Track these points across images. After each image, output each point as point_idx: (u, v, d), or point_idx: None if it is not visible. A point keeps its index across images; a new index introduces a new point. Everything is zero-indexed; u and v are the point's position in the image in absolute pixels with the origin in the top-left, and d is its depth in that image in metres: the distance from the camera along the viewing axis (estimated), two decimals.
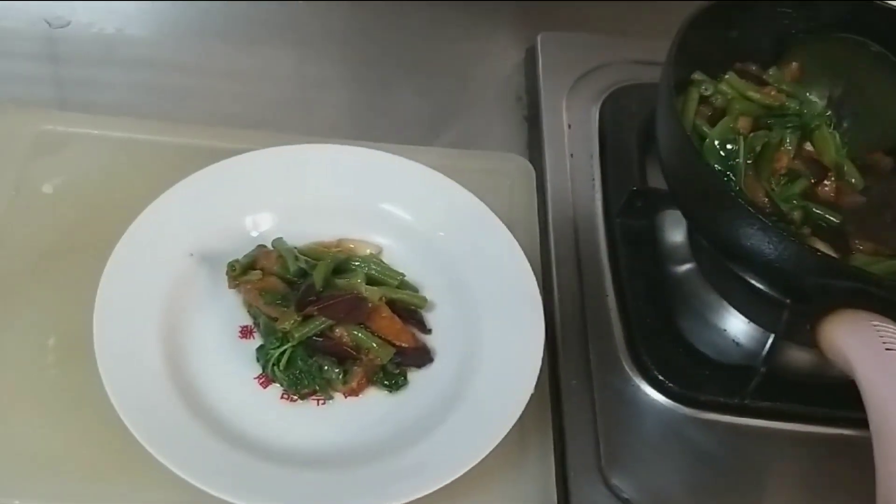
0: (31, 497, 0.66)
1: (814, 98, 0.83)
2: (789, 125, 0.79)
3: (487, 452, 0.66)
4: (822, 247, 0.72)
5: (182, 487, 0.64)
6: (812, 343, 0.65)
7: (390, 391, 0.73)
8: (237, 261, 0.75)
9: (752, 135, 0.77)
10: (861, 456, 0.72)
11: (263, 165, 0.81)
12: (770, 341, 0.75)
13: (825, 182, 0.79)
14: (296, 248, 0.78)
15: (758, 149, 0.76)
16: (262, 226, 0.80)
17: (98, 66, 0.97)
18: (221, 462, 0.66)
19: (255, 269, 0.75)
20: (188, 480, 0.64)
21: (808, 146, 0.81)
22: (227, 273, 0.75)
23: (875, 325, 0.59)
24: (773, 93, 0.82)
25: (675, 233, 0.86)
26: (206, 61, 0.98)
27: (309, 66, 1.00)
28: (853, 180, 0.79)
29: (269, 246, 0.78)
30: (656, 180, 0.87)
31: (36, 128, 0.86)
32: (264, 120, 0.94)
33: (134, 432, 0.65)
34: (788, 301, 0.72)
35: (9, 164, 0.83)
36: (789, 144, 0.79)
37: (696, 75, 0.81)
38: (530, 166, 0.90)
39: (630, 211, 0.84)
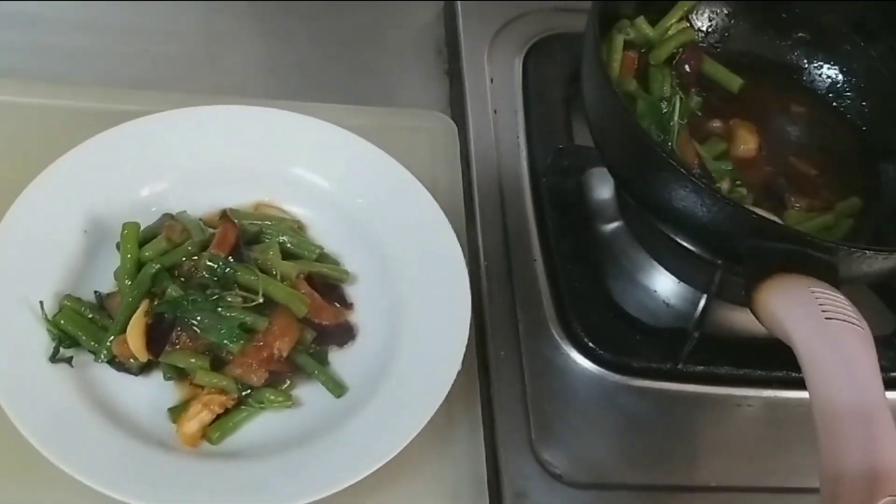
0: None
1: None
2: None
3: (413, 435, 0.63)
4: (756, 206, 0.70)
5: (79, 486, 0.59)
6: (747, 307, 0.62)
7: None
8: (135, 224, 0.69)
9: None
10: (799, 419, 0.71)
11: (162, 130, 0.74)
12: (703, 302, 0.73)
13: None
14: (201, 219, 0.72)
15: (699, 112, 0.74)
16: (163, 197, 0.73)
17: None
18: (117, 457, 0.61)
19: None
20: (81, 480, 0.59)
21: None
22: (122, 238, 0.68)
23: (813, 292, 0.56)
24: None
25: (603, 190, 0.83)
26: (100, 18, 0.90)
27: (215, 21, 0.92)
28: None
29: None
30: (584, 135, 0.83)
31: None
32: (168, 80, 0.87)
33: (16, 423, 0.59)
34: (720, 262, 0.70)
35: None
36: None
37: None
38: (452, 124, 0.86)
39: (556, 170, 0.81)
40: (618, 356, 0.72)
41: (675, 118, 0.73)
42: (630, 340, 0.74)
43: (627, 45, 0.78)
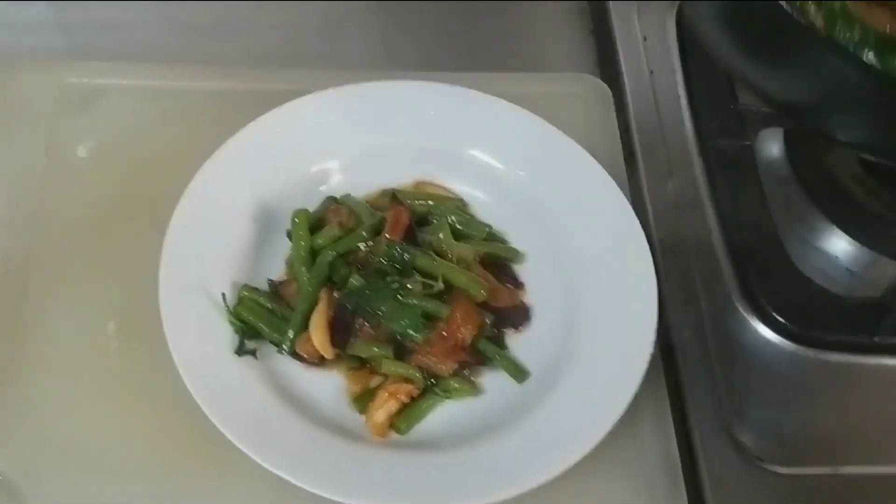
0: (118, 498, 0.61)
1: None
2: None
3: (609, 428, 0.60)
4: None
5: (277, 479, 0.58)
6: None
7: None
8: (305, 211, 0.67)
9: None
10: None
11: (319, 111, 0.72)
12: None
13: None
14: (367, 200, 0.70)
15: None
16: (326, 178, 0.72)
17: (111, 6, 0.87)
18: (308, 448, 0.60)
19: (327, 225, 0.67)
20: (277, 472, 0.57)
21: None
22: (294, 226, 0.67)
23: None
24: None
25: (774, 148, 0.78)
26: None
27: None
28: None
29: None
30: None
31: (58, 82, 0.77)
32: (306, 52, 0.85)
33: (213, 419, 0.58)
34: None
35: (34, 127, 0.75)
36: None
37: None
38: (606, 87, 0.81)
39: (727, 132, 0.76)
40: (810, 330, 0.68)
41: None
42: (820, 312, 0.69)
43: None
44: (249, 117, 0.71)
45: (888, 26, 0.58)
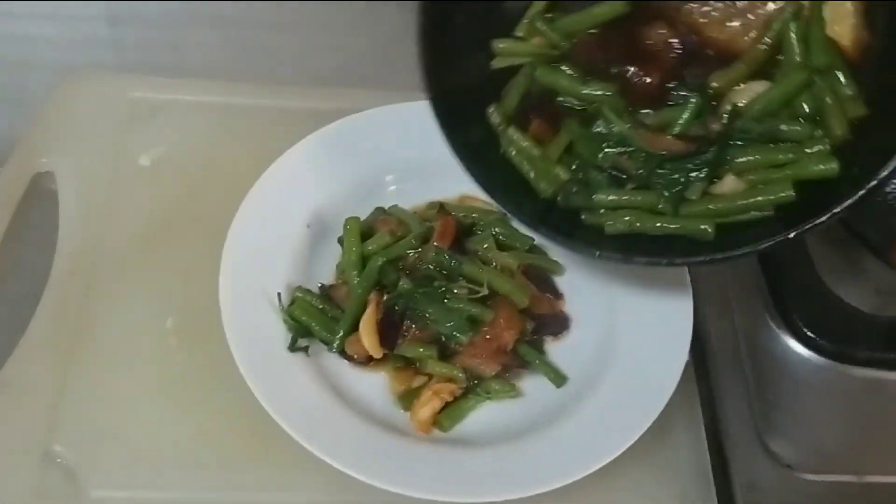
0: (174, 489, 0.64)
1: None
2: None
3: (642, 432, 0.62)
4: None
5: (328, 470, 0.60)
6: None
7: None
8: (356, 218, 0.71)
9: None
10: None
11: (370, 127, 0.76)
12: None
13: None
14: (415, 212, 0.74)
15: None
16: (376, 191, 0.75)
17: (179, 26, 0.92)
18: (357, 440, 0.63)
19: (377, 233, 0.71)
20: (332, 463, 0.60)
21: None
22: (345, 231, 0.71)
23: None
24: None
25: None
26: (293, 16, 0.92)
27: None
28: None
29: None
30: None
31: (125, 96, 0.82)
32: (356, 74, 0.89)
33: (273, 415, 0.61)
34: None
35: (102, 136, 0.80)
36: None
37: None
38: None
39: None
40: (839, 346, 0.71)
41: (623, 127, 0.63)
42: (849, 330, 0.72)
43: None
44: (302, 133, 0.76)
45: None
